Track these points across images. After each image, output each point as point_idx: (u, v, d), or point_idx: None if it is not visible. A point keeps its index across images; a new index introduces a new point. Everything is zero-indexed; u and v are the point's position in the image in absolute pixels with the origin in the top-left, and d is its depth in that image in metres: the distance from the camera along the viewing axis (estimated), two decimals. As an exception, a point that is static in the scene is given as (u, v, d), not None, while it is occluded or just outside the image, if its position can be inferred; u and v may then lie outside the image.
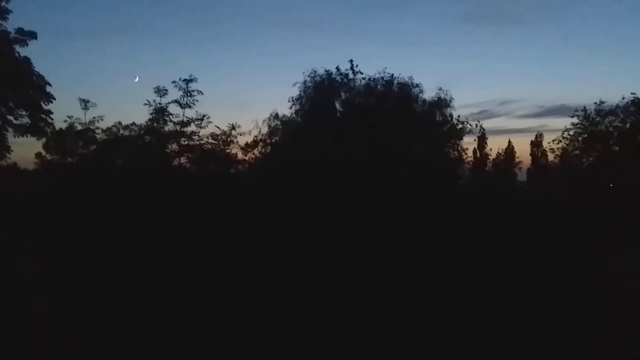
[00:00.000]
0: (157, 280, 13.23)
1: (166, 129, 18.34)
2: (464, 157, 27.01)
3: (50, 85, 19.12)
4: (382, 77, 25.05)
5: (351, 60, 24.67)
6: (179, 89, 18.30)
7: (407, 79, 25.27)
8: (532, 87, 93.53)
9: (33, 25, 20.46)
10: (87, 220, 16.27)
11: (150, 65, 75.24)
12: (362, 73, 24.81)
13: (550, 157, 32.65)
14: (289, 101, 25.15)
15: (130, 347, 9.44)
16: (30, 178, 20.99)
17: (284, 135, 24.73)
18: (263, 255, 15.93)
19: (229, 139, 19.03)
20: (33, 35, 18.51)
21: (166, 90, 18.30)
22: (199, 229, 16.48)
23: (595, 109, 26.86)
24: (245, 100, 69.63)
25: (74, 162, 20.37)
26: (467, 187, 27.87)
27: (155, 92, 18.29)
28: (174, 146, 18.51)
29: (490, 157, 36.21)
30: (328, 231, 18.07)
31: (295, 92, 25.17)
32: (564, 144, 28.39)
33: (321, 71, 24.97)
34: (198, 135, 18.53)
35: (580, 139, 27.55)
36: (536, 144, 42.03)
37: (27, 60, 18.68)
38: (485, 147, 34.85)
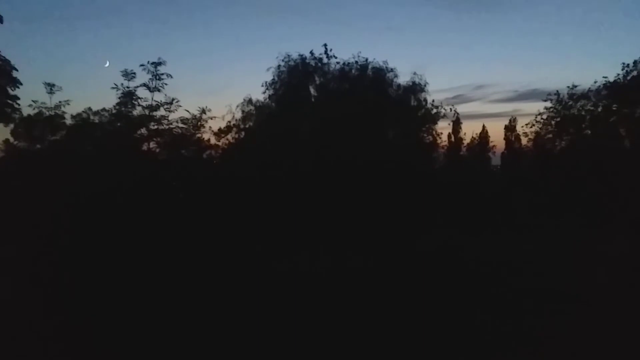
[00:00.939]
0: (129, 269, 13.11)
1: (135, 113, 18.02)
2: (439, 141, 27.26)
3: (17, 70, 18.64)
4: (357, 62, 25.00)
5: (325, 45, 24.60)
6: (148, 72, 17.94)
7: (381, 64, 25.28)
8: (506, 72, 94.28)
9: (-2, 8, 19.90)
10: (58, 209, 16.03)
11: (121, 51, 73.72)
12: (336, 57, 24.76)
13: (524, 141, 33.12)
14: (262, 86, 25.05)
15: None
16: (-2, 166, 20.54)
17: (258, 120, 24.62)
18: (237, 237, 15.91)
19: (199, 123, 18.74)
20: (-1, 19, 18.00)
21: (134, 73, 17.89)
22: (172, 214, 16.33)
23: (568, 93, 27.06)
24: (219, 86, 69.02)
25: (43, 149, 19.97)
26: (441, 171, 28.03)
27: (123, 76, 17.87)
28: (143, 130, 18.21)
29: (464, 141, 36.63)
30: (303, 214, 18.08)
31: (269, 77, 25.07)
32: (537, 128, 28.65)
33: (295, 56, 24.88)
34: (167, 120, 18.23)
35: (553, 122, 27.78)
36: (510, 128, 42.27)
37: (-8, 44, 18.20)
38: (459, 132, 35.33)
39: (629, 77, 25.45)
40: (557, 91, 27.25)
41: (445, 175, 27.47)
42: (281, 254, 15.32)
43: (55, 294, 11.04)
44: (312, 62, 24.73)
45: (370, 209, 18.98)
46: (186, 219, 16.29)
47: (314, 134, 22.81)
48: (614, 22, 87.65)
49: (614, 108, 26.36)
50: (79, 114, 20.07)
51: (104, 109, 19.43)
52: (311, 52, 24.67)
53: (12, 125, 19.73)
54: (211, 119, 19.46)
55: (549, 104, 27.54)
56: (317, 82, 25.05)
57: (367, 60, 25.04)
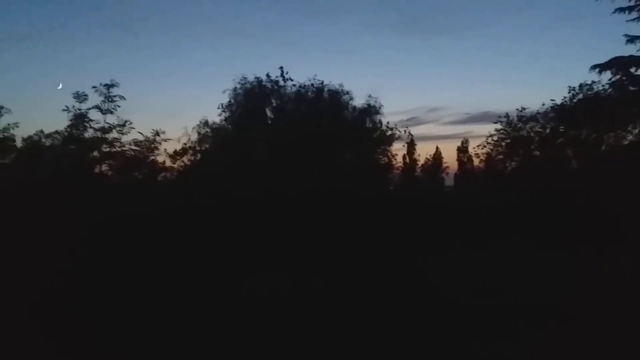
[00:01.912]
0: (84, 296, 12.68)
1: (86, 135, 17.69)
2: (394, 162, 27.73)
3: (-36, 92, 18.13)
4: (313, 85, 25.24)
5: (281, 67, 24.76)
6: (100, 94, 17.66)
7: (337, 87, 25.64)
8: (459, 95, 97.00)
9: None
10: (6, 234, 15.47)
11: (75, 75, 72.10)
12: (292, 80, 24.94)
13: (476, 162, 34.04)
14: (218, 108, 25.00)
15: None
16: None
17: (214, 142, 24.52)
18: (192, 261, 15.64)
19: (152, 145, 18.54)
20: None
21: (86, 95, 17.58)
22: (125, 237, 15.97)
23: (517, 116, 27.94)
24: (175, 108, 68.15)
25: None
26: (396, 192, 28.46)
27: (74, 98, 17.56)
28: (96, 153, 17.87)
29: (419, 162, 37.49)
30: (260, 236, 17.96)
31: (225, 99, 25.03)
32: (489, 149, 29.59)
33: (251, 78, 24.94)
34: (120, 142, 17.96)
35: (503, 144, 28.69)
36: (462, 149, 43.41)
37: None
38: (414, 153, 36.25)
39: (575, 100, 26.51)
40: (507, 113, 28.14)
41: (400, 195, 27.90)
42: (239, 276, 15.16)
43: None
44: (269, 85, 24.87)
45: (329, 231, 19.01)
46: (138, 242, 15.95)
47: (270, 157, 22.85)
48: (563, 46, 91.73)
49: (561, 130, 27.37)
50: (30, 137, 19.61)
51: (56, 132, 19.04)
52: (267, 75, 24.84)
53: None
54: (165, 141, 19.33)
55: (499, 126, 28.43)
56: (274, 104, 25.18)
57: (322, 82, 25.36)
